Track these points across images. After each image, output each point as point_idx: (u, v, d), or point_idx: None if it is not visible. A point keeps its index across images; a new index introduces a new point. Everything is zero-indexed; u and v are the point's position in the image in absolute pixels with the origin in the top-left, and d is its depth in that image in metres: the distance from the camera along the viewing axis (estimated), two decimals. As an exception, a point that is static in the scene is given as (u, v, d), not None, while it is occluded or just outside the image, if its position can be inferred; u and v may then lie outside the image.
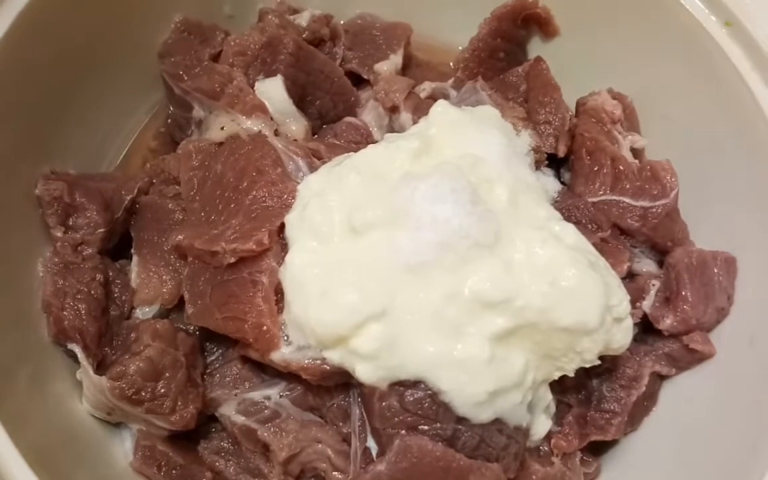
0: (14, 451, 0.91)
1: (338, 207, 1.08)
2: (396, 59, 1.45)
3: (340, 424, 1.14)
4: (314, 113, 1.36)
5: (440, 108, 1.19)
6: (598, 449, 1.24)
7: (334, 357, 1.05)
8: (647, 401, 1.24)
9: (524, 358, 1.06)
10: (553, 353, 1.08)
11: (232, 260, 1.09)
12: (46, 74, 1.19)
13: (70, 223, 1.16)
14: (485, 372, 1.03)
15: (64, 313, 1.10)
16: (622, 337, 1.10)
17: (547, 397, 1.16)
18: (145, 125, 1.43)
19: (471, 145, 1.15)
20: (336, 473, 1.12)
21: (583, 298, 1.04)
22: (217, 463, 1.14)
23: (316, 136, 1.35)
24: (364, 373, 1.04)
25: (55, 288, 1.11)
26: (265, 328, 1.06)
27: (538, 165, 1.28)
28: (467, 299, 1.03)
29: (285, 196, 1.13)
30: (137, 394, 1.05)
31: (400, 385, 1.05)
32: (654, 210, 1.26)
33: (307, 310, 1.04)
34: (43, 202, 1.15)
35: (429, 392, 1.04)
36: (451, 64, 1.55)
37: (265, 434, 1.11)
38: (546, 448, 1.19)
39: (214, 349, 1.19)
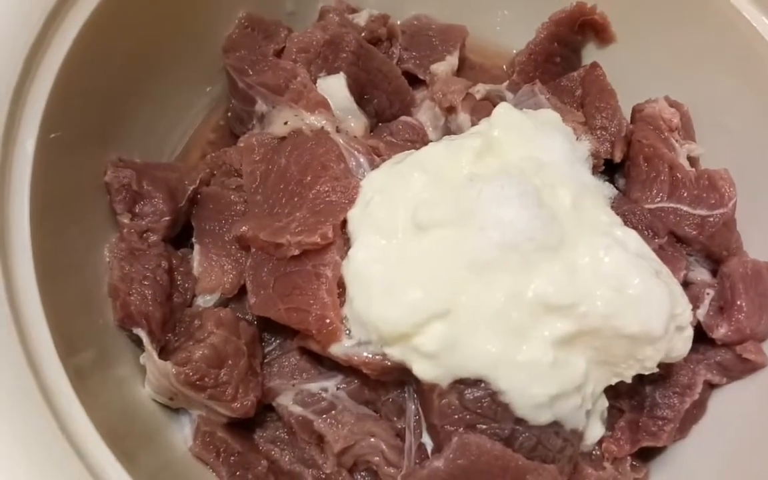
0: (91, 426, 0.93)
1: (402, 204, 1.10)
2: (452, 60, 1.46)
3: (395, 419, 1.15)
4: (371, 111, 1.37)
5: (503, 110, 1.20)
6: (646, 455, 1.24)
7: (395, 353, 1.06)
8: (697, 410, 1.24)
9: (585, 362, 1.06)
10: (613, 359, 1.09)
11: (297, 252, 1.11)
12: (115, 66, 1.21)
13: (137, 210, 1.18)
14: (547, 375, 1.04)
15: (131, 297, 1.12)
16: (682, 345, 1.11)
17: (602, 402, 1.16)
18: (205, 118, 1.45)
19: (534, 148, 1.16)
20: (389, 467, 1.13)
21: (649, 307, 1.04)
22: (272, 452, 1.16)
23: (372, 133, 1.36)
24: (423, 370, 1.06)
25: (122, 273, 1.13)
26: (328, 320, 1.07)
27: (595, 170, 1.29)
28: (531, 302, 1.03)
29: (348, 192, 1.14)
30: (201, 380, 1.07)
31: (460, 383, 1.05)
32: (711, 219, 1.27)
33: (370, 305, 1.05)
34: (111, 189, 1.17)
35: (489, 391, 1.05)
36: (504, 67, 1.57)
37: (321, 425, 1.12)
38: (597, 453, 1.20)
39: (272, 340, 1.20)
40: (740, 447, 1.20)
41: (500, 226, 1.04)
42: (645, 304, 1.04)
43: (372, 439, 1.13)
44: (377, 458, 1.14)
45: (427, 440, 1.12)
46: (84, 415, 0.94)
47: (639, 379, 1.15)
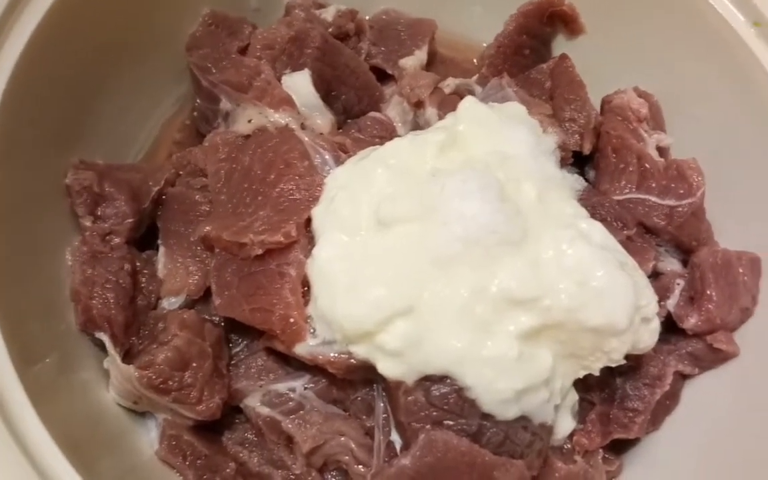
0: (47, 436, 0.92)
1: (365, 200, 1.09)
2: (421, 55, 1.45)
3: (364, 417, 1.14)
4: (339, 108, 1.36)
5: (468, 104, 1.19)
6: (620, 447, 1.24)
7: (360, 352, 1.06)
8: (669, 400, 1.24)
9: (552, 355, 1.06)
10: (580, 352, 1.08)
11: (260, 252, 1.10)
12: (76, 66, 1.19)
13: (99, 212, 1.17)
14: (513, 370, 1.03)
15: (93, 301, 1.10)
16: (648, 337, 1.10)
17: (572, 395, 1.16)
18: (170, 118, 1.43)
19: (499, 141, 1.15)
20: (358, 466, 1.12)
21: (612, 299, 1.04)
22: (240, 454, 1.15)
23: (340, 130, 1.35)
24: (388, 368, 1.05)
25: (84, 277, 1.12)
26: (292, 320, 1.07)
27: (563, 162, 1.28)
28: (495, 296, 1.03)
29: (312, 189, 1.14)
30: (164, 383, 1.06)
31: (427, 380, 1.05)
32: (680, 209, 1.26)
33: (334, 304, 1.05)
34: (72, 192, 1.16)
35: (455, 387, 1.04)
36: (475, 60, 1.56)
37: (289, 426, 1.11)
38: (569, 446, 1.19)
39: (239, 341, 1.19)
40: (714, 437, 1.19)
41: (463, 220, 1.04)
42: (609, 297, 1.03)
43: (341, 438, 1.12)
44: (347, 457, 1.13)
45: (395, 438, 1.12)
46: (40, 424, 0.93)
47: (609, 371, 1.14)
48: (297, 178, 1.14)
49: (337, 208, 1.10)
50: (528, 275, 1.03)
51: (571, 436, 1.18)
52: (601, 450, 1.20)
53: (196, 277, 1.18)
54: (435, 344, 1.03)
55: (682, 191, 1.27)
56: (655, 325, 1.10)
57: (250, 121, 1.25)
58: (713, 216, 1.32)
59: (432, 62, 1.52)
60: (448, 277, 1.04)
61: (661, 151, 1.36)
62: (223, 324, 1.18)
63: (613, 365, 1.10)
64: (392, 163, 1.11)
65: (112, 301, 1.11)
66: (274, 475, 1.14)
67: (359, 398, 1.15)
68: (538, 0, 1.42)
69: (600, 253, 1.05)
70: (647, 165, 1.28)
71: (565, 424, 1.16)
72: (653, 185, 1.27)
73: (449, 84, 1.43)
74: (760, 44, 1.26)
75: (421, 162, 1.12)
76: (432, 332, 1.03)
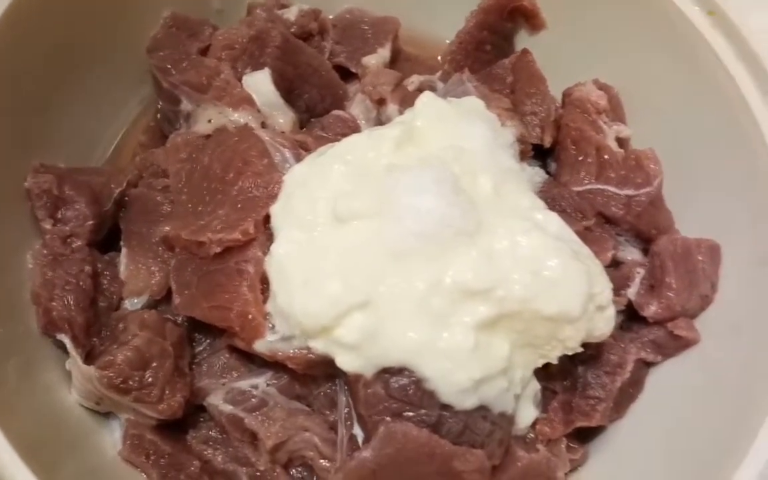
0: (4, 440, 0.92)
1: (322, 196, 1.10)
2: (384, 53, 1.46)
3: (327, 412, 1.15)
4: (302, 106, 1.37)
5: (425, 99, 1.20)
6: (584, 436, 1.25)
7: (319, 346, 1.06)
8: (633, 388, 1.25)
9: (508, 345, 1.07)
10: (536, 341, 1.09)
11: (218, 250, 1.11)
12: (37, 69, 1.20)
13: (59, 215, 1.18)
14: (470, 360, 1.04)
15: (53, 304, 1.11)
16: (604, 325, 1.11)
17: (533, 385, 1.16)
18: (135, 119, 1.44)
19: (456, 135, 1.16)
20: (323, 461, 1.13)
21: (566, 288, 1.05)
22: (205, 452, 1.15)
23: (304, 129, 1.36)
24: (346, 362, 1.06)
25: (44, 279, 1.12)
26: (250, 316, 1.07)
27: (524, 155, 1.29)
28: (450, 288, 1.04)
29: (271, 187, 1.14)
30: (125, 383, 1.06)
31: (385, 372, 1.06)
32: (638, 198, 1.27)
33: (292, 299, 1.05)
34: (32, 195, 1.17)
35: (414, 379, 1.05)
36: (439, 57, 1.56)
37: (253, 423, 1.12)
38: (532, 435, 1.20)
39: (202, 340, 1.20)
40: (678, 423, 1.20)
41: (417, 214, 1.05)
42: (562, 286, 1.04)
43: (305, 434, 1.13)
44: (311, 453, 1.14)
45: (358, 431, 1.12)
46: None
47: (571, 359, 1.16)
48: (255, 176, 1.15)
49: (294, 205, 1.10)
50: (482, 266, 1.04)
51: (534, 425, 1.19)
52: (564, 438, 1.20)
53: (158, 277, 1.19)
54: (392, 337, 1.04)
55: (639, 181, 1.28)
56: (610, 313, 1.11)
57: (210, 121, 1.26)
58: (674, 204, 1.33)
59: (397, 60, 1.53)
60: (404, 270, 1.04)
61: (621, 142, 1.37)
62: (186, 323, 1.19)
63: (570, 353, 1.11)
64: (349, 159, 1.12)
65: (72, 303, 1.11)
66: (239, 473, 1.14)
67: (322, 393, 1.16)
68: (499, -5, 1.43)
69: (553, 243, 1.06)
70: (606, 156, 1.29)
71: (527, 414, 1.16)
72: (612, 176, 1.29)
73: (413, 81, 1.44)
74: (715, 33, 1.27)
75: (377, 157, 1.12)
76: (389, 325, 1.04)
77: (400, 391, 1.06)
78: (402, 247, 1.05)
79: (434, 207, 1.05)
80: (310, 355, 1.08)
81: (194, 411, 1.17)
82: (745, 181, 1.24)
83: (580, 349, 1.11)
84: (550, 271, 1.04)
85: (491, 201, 1.11)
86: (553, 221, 1.12)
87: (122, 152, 1.42)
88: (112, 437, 1.15)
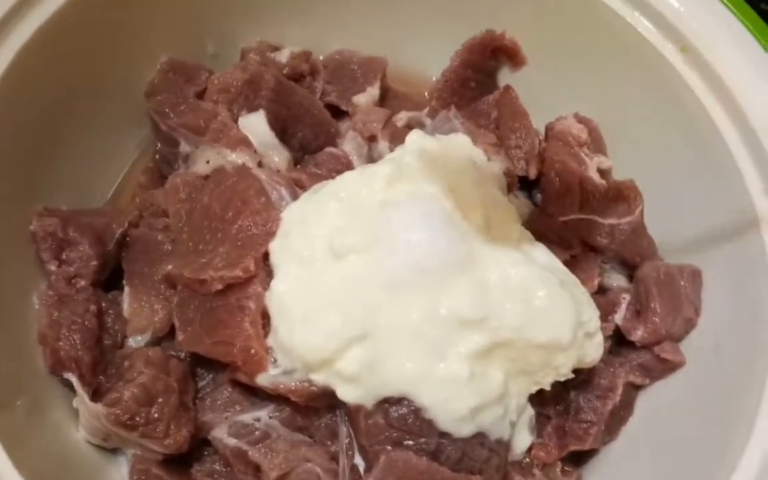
0: (18, 477, 0.95)
1: (318, 233, 1.13)
2: (373, 91, 1.50)
3: (329, 442, 1.17)
4: (296, 145, 1.41)
5: (415, 136, 1.25)
6: (578, 459, 1.28)
7: (320, 379, 1.10)
8: (623, 411, 1.29)
9: (503, 373, 1.11)
10: (530, 369, 1.13)
11: (220, 287, 1.14)
12: (39, 116, 1.23)
13: (64, 257, 1.20)
14: (466, 388, 1.08)
15: (60, 343, 1.14)
16: (593, 351, 1.16)
17: (528, 411, 1.20)
18: (134, 161, 1.47)
19: (444, 171, 1.21)
20: (325, 491, 1.16)
21: (555, 317, 1.10)
22: (210, 485, 1.18)
23: (298, 166, 1.40)
24: (347, 393, 1.09)
25: (51, 320, 1.15)
26: (252, 351, 1.10)
27: (510, 187, 1.34)
28: (444, 319, 1.08)
29: (269, 224, 1.18)
30: (132, 419, 1.09)
31: (385, 402, 1.09)
32: (621, 227, 1.32)
33: (292, 334, 1.08)
34: (37, 238, 1.20)
35: (413, 408, 1.08)
36: (426, 93, 1.62)
37: (256, 455, 1.13)
38: (527, 460, 1.23)
39: (205, 375, 1.22)
40: (667, 443, 1.24)
41: (409, 248, 1.09)
42: (551, 315, 1.09)
43: (308, 464, 1.14)
44: (314, 483, 1.16)
45: (359, 461, 1.15)
46: (12, 468, 0.97)
47: (563, 385, 1.20)
48: (254, 214, 1.18)
49: (292, 242, 1.14)
50: (475, 297, 1.08)
51: (529, 450, 1.22)
52: (559, 462, 1.24)
53: (161, 314, 1.22)
54: (391, 367, 1.07)
55: (621, 210, 1.33)
56: (599, 340, 1.16)
57: (208, 162, 1.29)
58: (655, 232, 1.39)
59: (386, 97, 1.57)
60: (399, 302, 1.08)
61: (603, 173, 1.42)
62: (189, 359, 1.21)
63: (562, 379, 1.15)
64: (343, 196, 1.16)
65: (78, 342, 1.14)
66: (243, 504, 1.17)
67: (323, 424, 1.18)
68: (481, 36, 1.49)
69: (542, 273, 1.11)
70: (588, 187, 1.34)
71: (522, 440, 1.20)
72: (595, 206, 1.34)
73: (402, 117, 1.49)
74: (687, 69, 1.32)
75: (370, 194, 1.16)
76: (387, 356, 1.07)
77: (400, 420, 1.09)
78: (396, 280, 1.09)
79: (426, 240, 1.10)
80: (312, 388, 1.11)
81: (199, 445, 1.19)
82: (720, 208, 1.29)
83: (572, 375, 1.15)
84: (540, 300, 1.09)
85: (481, 233, 1.15)
86: (541, 252, 1.17)
87: (122, 193, 1.44)
88: (119, 473, 1.17)
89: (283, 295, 1.11)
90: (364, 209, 1.14)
